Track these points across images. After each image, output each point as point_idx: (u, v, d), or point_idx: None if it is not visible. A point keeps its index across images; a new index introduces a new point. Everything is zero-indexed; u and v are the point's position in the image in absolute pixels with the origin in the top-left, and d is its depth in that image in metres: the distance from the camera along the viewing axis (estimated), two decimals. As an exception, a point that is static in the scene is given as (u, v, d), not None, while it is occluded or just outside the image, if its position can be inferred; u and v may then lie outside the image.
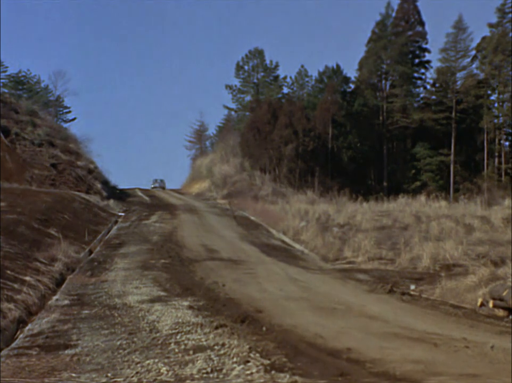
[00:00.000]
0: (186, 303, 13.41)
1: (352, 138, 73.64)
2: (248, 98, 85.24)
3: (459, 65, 72.57)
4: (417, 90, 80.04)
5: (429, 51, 77.76)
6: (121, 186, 61.24)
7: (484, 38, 69.75)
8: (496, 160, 68.41)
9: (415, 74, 78.52)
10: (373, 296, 16.80)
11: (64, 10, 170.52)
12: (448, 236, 25.84)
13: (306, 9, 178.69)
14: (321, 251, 27.08)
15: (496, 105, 70.63)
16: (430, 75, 78.35)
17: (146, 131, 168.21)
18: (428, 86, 78.91)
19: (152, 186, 76.74)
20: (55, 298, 14.40)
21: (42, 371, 8.22)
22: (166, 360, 8.52)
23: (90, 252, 23.36)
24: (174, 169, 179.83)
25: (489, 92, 70.48)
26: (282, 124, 64.33)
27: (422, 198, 47.95)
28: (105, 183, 51.72)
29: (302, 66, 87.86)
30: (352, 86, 78.42)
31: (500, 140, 69.35)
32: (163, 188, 76.14)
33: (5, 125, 45.34)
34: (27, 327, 11.30)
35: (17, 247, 18.18)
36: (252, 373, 7.81)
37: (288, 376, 7.68)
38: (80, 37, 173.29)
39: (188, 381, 7.58)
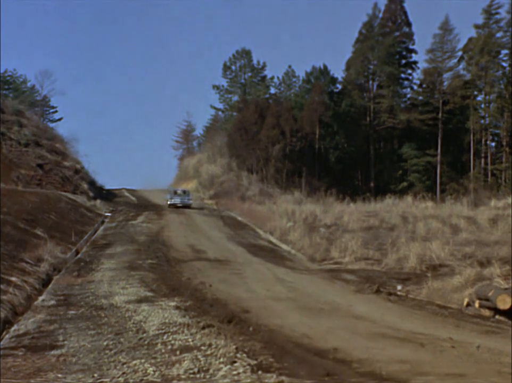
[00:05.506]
0: (172, 303, 13.39)
1: (339, 139, 73.69)
2: (235, 98, 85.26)
3: (445, 65, 72.78)
4: (404, 90, 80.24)
5: (416, 52, 78.08)
6: (108, 186, 61.06)
7: (470, 39, 69.98)
8: (483, 161, 68.62)
9: (402, 75, 78.65)
10: (360, 296, 16.85)
11: (50, 10, 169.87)
12: (435, 237, 25.99)
13: (294, 10, 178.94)
14: (308, 251, 27.12)
15: (482, 105, 70.90)
16: (417, 75, 78.48)
17: (133, 131, 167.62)
18: (415, 87, 79.11)
19: (169, 202, 49.12)
20: (41, 298, 14.33)
21: (28, 371, 8.17)
22: (152, 361, 8.49)
23: (77, 252, 23.28)
24: (162, 170, 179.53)
25: (475, 93, 70.63)
26: (269, 125, 64.42)
27: (409, 198, 48.23)
28: (92, 183, 51.58)
29: (289, 66, 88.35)
30: (339, 86, 78.45)
31: (486, 140, 69.57)
32: (188, 206, 48.79)
33: (-10, 125, 45.16)
34: (13, 328, 11.23)
35: (2, 247, 18.06)
36: (238, 373, 7.80)
37: (274, 376, 7.68)
38: (67, 37, 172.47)
39: (174, 382, 7.55)
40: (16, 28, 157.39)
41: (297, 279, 19.64)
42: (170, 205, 48.54)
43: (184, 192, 52.05)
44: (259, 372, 7.84)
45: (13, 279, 14.74)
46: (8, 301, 12.61)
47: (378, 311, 14.03)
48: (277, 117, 65.17)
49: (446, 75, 73.36)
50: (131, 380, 7.65)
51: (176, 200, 48.95)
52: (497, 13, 67.46)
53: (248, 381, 7.53)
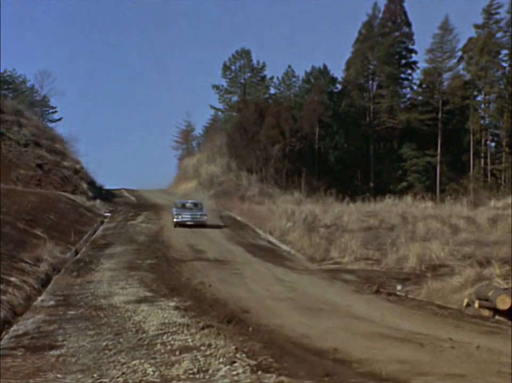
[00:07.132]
0: (172, 303, 13.38)
1: (339, 139, 73.69)
2: (235, 98, 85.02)
3: (445, 66, 72.71)
4: (404, 90, 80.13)
5: (415, 52, 77.97)
6: (107, 186, 60.94)
7: (470, 39, 69.92)
8: (482, 161, 68.58)
9: (402, 75, 78.60)
10: (359, 296, 16.84)
11: (50, 10, 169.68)
12: (435, 237, 25.99)
13: (293, 10, 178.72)
14: (307, 251, 27.11)
15: (482, 105, 70.81)
16: (416, 76, 78.48)
17: (133, 131, 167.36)
18: (415, 87, 79.07)
19: (175, 219, 36.06)
20: (40, 298, 14.32)
21: (27, 371, 8.16)
22: (152, 361, 8.49)
23: (76, 252, 23.28)
24: (161, 170, 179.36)
25: (475, 93, 70.51)
26: (269, 125, 64.33)
27: (409, 198, 48.22)
28: (91, 183, 51.48)
29: (289, 66, 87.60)
30: (339, 86, 78.41)
31: (486, 141, 69.50)
32: (202, 225, 36.26)
33: (-10, 125, 45.15)
34: (12, 328, 11.23)
35: (2, 247, 18.05)
36: (238, 374, 7.80)
37: (274, 376, 7.67)
38: (67, 37, 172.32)
39: (174, 382, 7.55)
40: (16, 28, 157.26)
41: (297, 279, 19.63)
42: (176, 223, 35.92)
43: (195, 205, 39.02)
44: (259, 372, 7.84)
45: (12, 279, 14.74)
46: (7, 302, 12.61)
47: (378, 312, 14.02)
48: (276, 117, 65.07)
49: (446, 75, 73.38)
50: (131, 380, 7.64)
51: (186, 217, 36.30)
52: (497, 13, 67.38)
53: (248, 381, 7.53)
